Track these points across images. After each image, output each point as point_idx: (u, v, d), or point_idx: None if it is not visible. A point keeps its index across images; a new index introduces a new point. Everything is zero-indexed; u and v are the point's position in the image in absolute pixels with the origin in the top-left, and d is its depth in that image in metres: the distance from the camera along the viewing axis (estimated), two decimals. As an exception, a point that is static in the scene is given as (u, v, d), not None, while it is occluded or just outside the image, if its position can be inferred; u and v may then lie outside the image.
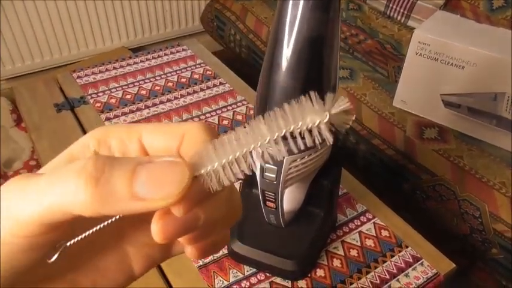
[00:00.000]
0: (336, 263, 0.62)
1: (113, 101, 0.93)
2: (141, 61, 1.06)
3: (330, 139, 0.16)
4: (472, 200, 0.86)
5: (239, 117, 0.89)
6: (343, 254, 0.63)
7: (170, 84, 0.98)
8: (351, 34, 1.33)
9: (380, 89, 1.09)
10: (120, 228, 0.22)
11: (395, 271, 0.61)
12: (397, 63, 1.18)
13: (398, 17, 1.34)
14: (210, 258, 0.62)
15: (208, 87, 0.98)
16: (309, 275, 0.60)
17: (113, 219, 0.18)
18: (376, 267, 0.61)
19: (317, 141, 0.17)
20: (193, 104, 0.92)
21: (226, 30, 1.54)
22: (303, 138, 0.17)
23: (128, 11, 1.71)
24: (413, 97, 0.99)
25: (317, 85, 0.46)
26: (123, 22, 1.73)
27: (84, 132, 0.86)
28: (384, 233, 0.66)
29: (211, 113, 0.90)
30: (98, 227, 0.18)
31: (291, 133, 0.17)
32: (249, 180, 0.63)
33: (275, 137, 0.17)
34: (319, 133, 0.17)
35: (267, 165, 0.51)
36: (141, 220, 0.21)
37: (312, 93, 0.17)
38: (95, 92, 0.95)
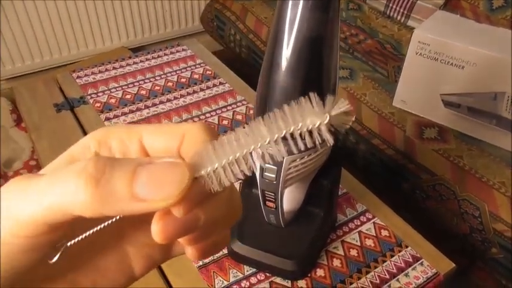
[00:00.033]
0: (336, 262, 0.62)
1: (113, 101, 0.93)
2: (141, 61, 1.06)
3: (330, 140, 0.16)
4: (472, 199, 0.86)
5: (239, 117, 0.90)
6: (343, 254, 0.63)
7: (170, 84, 0.98)
8: (350, 34, 1.33)
9: (380, 89, 1.09)
10: (121, 229, 0.22)
11: (395, 271, 0.61)
12: (397, 63, 1.18)
13: (398, 17, 1.34)
14: (210, 258, 0.62)
15: (208, 87, 0.98)
16: (309, 275, 0.60)
17: (113, 219, 0.18)
18: (376, 267, 0.62)
19: (317, 142, 0.17)
20: (193, 104, 0.92)
21: (226, 30, 1.54)
22: (303, 139, 0.17)
23: (128, 11, 1.71)
24: (413, 97, 0.99)
25: (317, 85, 0.46)
26: (123, 22, 1.73)
27: (84, 132, 0.86)
28: (384, 232, 0.66)
29: (211, 113, 0.90)
30: (98, 227, 0.18)
31: (291, 134, 0.17)
32: (249, 180, 0.63)
33: (275, 138, 0.17)
34: (319, 134, 0.17)
35: (266, 165, 0.51)
36: (141, 221, 0.21)
37: (311, 94, 0.17)
38: (95, 92, 0.95)
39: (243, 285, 0.59)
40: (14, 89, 0.99)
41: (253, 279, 0.59)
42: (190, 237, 0.20)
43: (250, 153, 0.17)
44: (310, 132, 0.17)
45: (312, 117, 0.16)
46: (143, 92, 0.96)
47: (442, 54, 0.90)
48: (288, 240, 0.60)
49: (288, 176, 0.51)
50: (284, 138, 0.17)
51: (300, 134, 0.17)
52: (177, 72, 1.03)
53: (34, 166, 1.37)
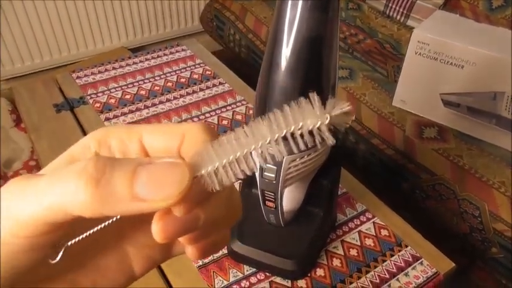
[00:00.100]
0: (336, 262, 0.62)
1: (113, 101, 0.93)
2: (141, 61, 1.06)
3: (331, 140, 0.16)
4: (472, 199, 0.86)
5: (238, 117, 0.90)
6: (342, 254, 0.63)
7: (169, 84, 0.98)
8: (350, 34, 1.33)
9: (379, 89, 1.09)
10: (121, 229, 0.22)
11: (395, 270, 0.61)
12: (396, 62, 1.18)
13: (398, 17, 1.34)
14: (210, 258, 0.62)
15: (207, 87, 0.98)
16: (309, 275, 0.60)
17: (114, 219, 0.18)
18: (375, 267, 0.62)
19: (317, 142, 0.17)
20: (193, 104, 0.92)
21: (225, 30, 1.54)
22: (303, 139, 0.17)
23: (127, 11, 1.71)
24: (413, 96, 0.99)
25: (316, 85, 0.46)
26: (123, 22, 1.73)
27: (84, 132, 0.86)
28: (384, 232, 0.66)
29: (211, 113, 0.90)
30: (99, 227, 0.18)
31: (292, 134, 0.17)
32: (249, 180, 0.63)
33: (276, 138, 0.17)
34: (320, 134, 0.17)
35: (266, 165, 0.51)
36: (141, 221, 0.21)
37: (312, 94, 0.17)
38: (95, 92, 0.95)
39: (242, 285, 0.59)
40: (14, 90, 0.99)
41: (253, 279, 0.60)
42: (190, 237, 0.20)
43: (251, 152, 0.17)
44: (311, 132, 0.17)
45: (312, 118, 0.16)
46: (143, 92, 0.96)
47: (441, 54, 0.90)
48: (288, 240, 0.60)
49: (287, 176, 0.51)
50: (284, 138, 0.17)
51: (301, 134, 0.17)
52: (177, 72, 1.03)
53: (34, 166, 1.37)
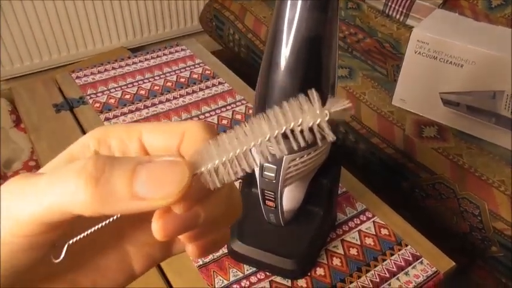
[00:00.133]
0: (336, 261, 0.62)
1: (112, 101, 0.93)
2: (140, 61, 1.06)
3: (331, 136, 0.16)
4: (472, 198, 0.86)
5: (238, 116, 0.90)
6: (342, 253, 0.63)
7: (169, 84, 0.98)
8: (349, 33, 1.33)
9: (379, 88, 1.09)
10: (120, 228, 0.22)
11: (395, 269, 0.61)
12: (396, 62, 1.18)
13: (397, 16, 1.34)
14: (210, 257, 0.62)
15: (207, 87, 0.98)
16: (309, 274, 0.60)
17: (114, 218, 0.18)
18: (375, 266, 0.62)
19: (318, 138, 0.17)
20: (193, 104, 0.92)
21: (225, 30, 1.54)
22: (303, 135, 0.17)
23: (127, 11, 1.71)
24: (413, 96, 0.99)
25: (315, 84, 0.46)
26: (122, 22, 1.73)
27: (84, 132, 0.86)
28: (384, 231, 0.66)
29: (211, 113, 0.90)
30: (100, 225, 0.18)
31: (291, 130, 0.17)
32: (249, 180, 0.63)
33: (275, 134, 0.17)
34: (320, 131, 0.17)
35: (266, 164, 0.51)
36: (140, 219, 0.21)
37: (311, 91, 0.17)
38: (94, 92, 0.95)
39: (243, 284, 0.59)
40: (13, 90, 0.99)
41: (253, 279, 0.60)
42: (190, 235, 0.20)
43: (250, 150, 0.17)
44: (311, 129, 0.17)
45: (312, 114, 0.16)
46: (142, 92, 0.96)
47: (441, 53, 0.90)
48: (288, 239, 0.60)
49: (287, 175, 0.51)
50: (284, 135, 0.17)
51: (301, 131, 0.17)
52: (176, 72, 1.03)
53: (33, 167, 1.37)
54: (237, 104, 0.93)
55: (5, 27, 1.51)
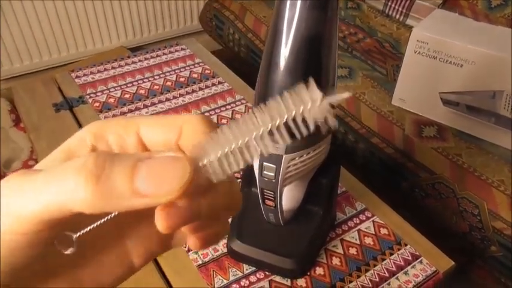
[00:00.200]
0: (335, 261, 0.62)
1: (112, 100, 0.93)
2: (140, 60, 1.06)
3: (333, 122, 0.16)
4: (471, 197, 0.86)
5: (238, 116, 0.90)
6: (342, 252, 0.63)
7: (169, 83, 0.98)
8: (349, 33, 1.33)
9: (379, 88, 1.09)
10: (119, 223, 0.22)
11: (394, 269, 0.61)
12: (395, 61, 1.18)
13: (397, 16, 1.34)
14: (210, 257, 0.62)
15: (207, 87, 0.98)
16: (308, 274, 0.60)
17: (113, 214, 0.18)
18: (375, 265, 0.62)
19: (319, 124, 0.17)
20: (192, 103, 0.92)
21: (225, 30, 1.54)
22: (305, 122, 0.17)
23: (127, 11, 1.71)
24: (412, 95, 0.99)
25: (315, 84, 0.46)
26: (122, 22, 1.73)
27: (83, 132, 0.85)
28: (383, 231, 0.66)
29: (210, 112, 0.90)
30: (102, 221, 0.18)
31: (293, 119, 0.17)
32: (248, 179, 0.63)
33: (277, 124, 0.17)
34: (321, 116, 0.16)
35: (265, 163, 0.51)
36: (140, 214, 0.21)
37: (310, 80, 0.17)
38: (94, 91, 0.95)
39: (242, 284, 0.59)
40: (13, 89, 0.99)
41: (252, 278, 0.60)
42: (192, 227, 0.20)
43: (255, 139, 0.17)
44: (310, 119, 0.17)
45: (311, 96, 0.16)
46: (142, 92, 0.96)
47: (440, 53, 0.90)
48: (288, 238, 0.60)
49: (287, 175, 0.51)
50: (285, 125, 0.17)
51: (302, 119, 0.17)
52: (176, 71, 1.03)
53: (33, 166, 1.37)
54: (237, 103, 0.93)
55: (5, 26, 1.50)
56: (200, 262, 0.61)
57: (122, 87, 0.97)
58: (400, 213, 0.69)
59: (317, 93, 0.16)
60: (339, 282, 0.59)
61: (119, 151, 0.20)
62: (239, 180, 0.67)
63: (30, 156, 1.41)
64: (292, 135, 0.17)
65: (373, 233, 0.66)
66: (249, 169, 0.60)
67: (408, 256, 0.63)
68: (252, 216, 0.62)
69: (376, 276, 0.60)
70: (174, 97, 0.94)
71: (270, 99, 0.17)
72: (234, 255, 0.61)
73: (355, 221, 0.68)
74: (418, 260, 0.62)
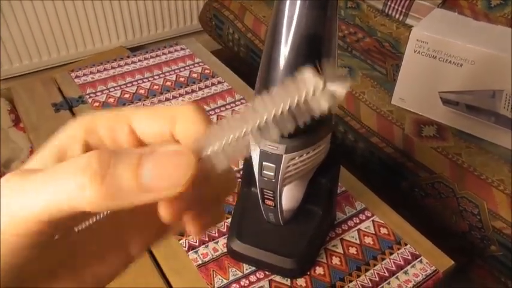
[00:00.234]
0: (335, 260, 0.62)
1: (111, 100, 0.93)
2: (140, 60, 1.06)
3: (334, 107, 0.16)
4: (471, 197, 0.86)
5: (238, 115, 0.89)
6: (342, 252, 0.63)
7: (168, 83, 0.98)
8: (349, 32, 1.33)
9: (378, 87, 1.09)
10: (118, 216, 0.22)
11: (394, 269, 0.61)
12: (395, 61, 1.18)
13: (397, 15, 1.34)
14: (210, 257, 0.62)
15: (206, 86, 0.98)
16: (308, 273, 0.60)
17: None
18: (375, 265, 0.62)
19: (323, 106, 0.16)
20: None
21: (224, 29, 1.54)
22: (307, 106, 0.16)
23: (126, 11, 1.71)
24: (412, 95, 0.99)
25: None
26: (121, 21, 1.72)
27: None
28: (383, 230, 0.66)
29: (210, 112, 0.90)
30: (102, 216, 0.18)
31: (297, 104, 0.17)
32: (248, 179, 0.63)
33: (280, 110, 0.17)
34: (324, 100, 0.16)
35: (265, 163, 0.51)
36: (138, 205, 0.21)
37: (309, 67, 0.17)
38: (93, 91, 0.95)
39: (242, 283, 0.59)
40: (12, 89, 0.99)
41: (252, 278, 0.60)
42: (191, 213, 0.20)
43: (258, 126, 0.17)
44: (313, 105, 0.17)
45: (314, 81, 0.16)
46: (142, 92, 0.95)
47: (440, 52, 0.90)
48: (287, 238, 0.60)
49: (286, 174, 0.51)
50: (289, 111, 0.17)
51: (305, 102, 0.16)
52: (176, 71, 1.03)
53: (33, 166, 1.37)
54: (237, 103, 0.93)
55: (4, 26, 1.50)
56: (200, 262, 0.61)
57: (122, 87, 0.97)
58: (399, 213, 0.69)
59: (319, 80, 0.16)
60: (339, 282, 0.59)
61: (112, 144, 0.19)
62: (239, 180, 0.67)
63: (29, 156, 1.41)
64: (295, 121, 0.17)
65: (373, 232, 0.66)
66: (248, 169, 0.60)
67: (408, 256, 0.63)
68: (251, 216, 0.62)
69: (376, 276, 0.60)
70: (174, 97, 0.94)
71: (273, 87, 0.17)
72: (234, 255, 0.61)
73: (354, 221, 0.68)
74: (418, 260, 0.62)
